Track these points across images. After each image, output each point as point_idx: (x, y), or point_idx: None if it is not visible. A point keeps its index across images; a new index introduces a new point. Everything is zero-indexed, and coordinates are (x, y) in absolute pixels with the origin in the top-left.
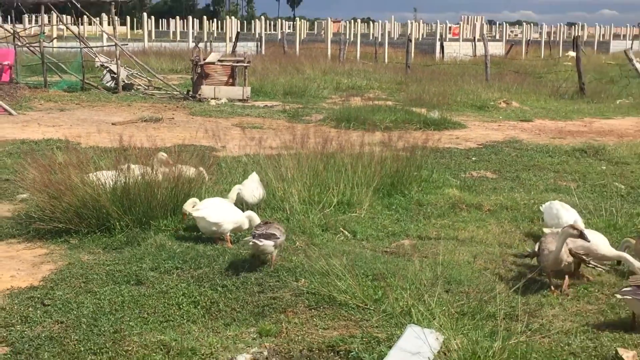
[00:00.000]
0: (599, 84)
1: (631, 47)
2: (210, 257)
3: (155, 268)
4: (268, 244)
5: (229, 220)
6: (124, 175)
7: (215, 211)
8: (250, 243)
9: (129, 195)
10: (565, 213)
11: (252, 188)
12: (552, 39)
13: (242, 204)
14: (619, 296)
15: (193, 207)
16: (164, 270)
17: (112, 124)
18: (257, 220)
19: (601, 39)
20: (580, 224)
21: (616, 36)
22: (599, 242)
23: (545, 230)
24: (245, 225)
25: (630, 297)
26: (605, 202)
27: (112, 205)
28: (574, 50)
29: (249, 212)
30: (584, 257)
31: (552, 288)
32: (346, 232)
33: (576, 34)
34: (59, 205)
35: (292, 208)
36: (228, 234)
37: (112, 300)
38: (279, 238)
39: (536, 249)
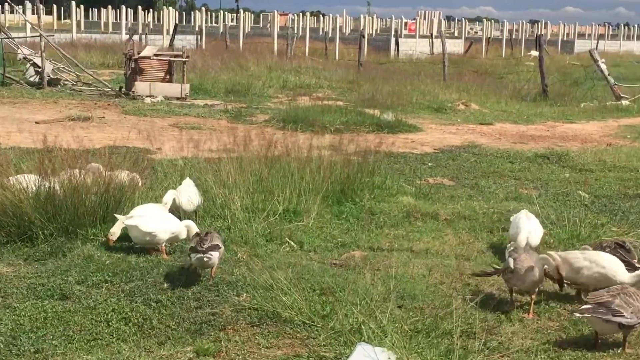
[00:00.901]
0: (562, 86)
1: (596, 47)
2: (144, 270)
3: (82, 281)
4: (216, 257)
5: (165, 230)
6: (48, 179)
7: (149, 219)
8: (201, 257)
9: (54, 201)
10: (524, 224)
11: (188, 194)
12: (513, 37)
13: (177, 211)
14: (577, 315)
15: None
16: (91, 284)
17: (36, 122)
18: (195, 229)
19: (565, 38)
20: (532, 239)
21: (581, 35)
22: (617, 269)
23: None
24: (183, 235)
25: (589, 316)
26: (568, 212)
27: (35, 212)
28: (536, 50)
29: (188, 221)
30: (561, 280)
31: (512, 304)
32: (292, 243)
33: (539, 32)
34: None
35: (234, 216)
36: (163, 244)
37: (33, 317)
38: (221, 248)
39: (510, 265)
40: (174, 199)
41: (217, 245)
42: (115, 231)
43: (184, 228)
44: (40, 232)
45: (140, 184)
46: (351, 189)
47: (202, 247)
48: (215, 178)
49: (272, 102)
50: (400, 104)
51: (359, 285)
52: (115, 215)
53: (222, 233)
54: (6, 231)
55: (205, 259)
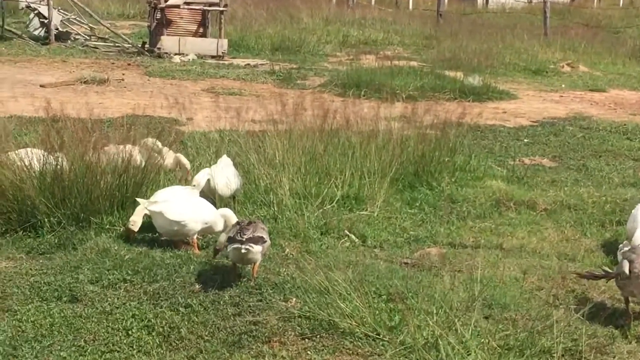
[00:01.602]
0: None
1: None
2: (170, 267)
3: (95, 280)
4: (258, 251)
5: (197, 218)
6: (55, 155)
7: (178, 205)
8: (238, 249)
9: (63, 182)
10: None
11: (225, 175)
12: None
13: (211, 196)
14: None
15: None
16: (107, 284)
17: (41, 86)
18: (234, 219)
19: None
20: None
21: None
22: None
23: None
24: (219, 226)
25: None
26: None
27: (40, 196)
28: None
29: (225, 210)
30: None
31: (628, 316)
32: (353, 237)
33: None
34: None
35: (281, 203)
36: (195, 236)
37: (37, 323)
38: (266, 242)
39: (623, 269)
40: (207, 181)
41: (261, 237)
42: (137, 219)
43: (220, 217)
44: (45, 219)
45: (188, 167)
46: (427, 171)
47: (241, 237)
48: (258, 156)
49: (330, 62)
50: (489, 65)
51: (435, 290)
52: (137, 199)
53: (266, 223)
54: (5, 218)
55: (244, 251)
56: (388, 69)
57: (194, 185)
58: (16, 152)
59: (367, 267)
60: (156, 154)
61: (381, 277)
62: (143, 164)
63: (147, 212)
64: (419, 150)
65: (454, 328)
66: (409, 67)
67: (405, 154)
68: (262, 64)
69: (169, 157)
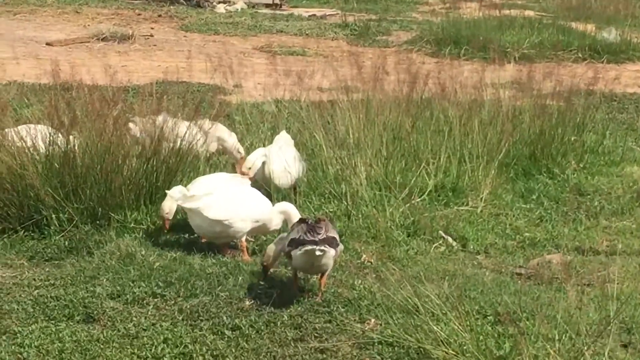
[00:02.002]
0: None
1: None
2: (213, 278)
3: (117, 294)
4: (331, 256)
5: (246, 216)
6: (65, 133)
7: (221, 200)
8: (311, 251)
9: (75, 168)
10: None
11: (284, 159)
12: None
13: (265, 186)
14: None
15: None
16: (132, 299)
17: (47, 44)
18: (296, 216)
19: None
20: None
21: None
22: None
23: None
24: (274, 225)
25: None
26: None
27: (46, 185)
28: None
29: (284, 204)
30: None
31: None
32: (450, 239)
33: None
34: None
35: (357, 195)
36: (243, 238)
37: (43, 348)
38: (339, 245)
39: None
40: (261, 166)
41: (335, 239)
42: (170, 206)
43: (277, 214)
44: (53, 216)
45: (240, 151)
46: (547, 154)
47: (314, 237)
48: (327, 134)
49: (419, 11)
50: (630, 14)
51: (557, 309)
52: (167, 192)
53: (336, 222)
54: (1, 213)
55: (319, 253)
56: (496, 20)
57: (249, 168)
58: (15, 129)
59: (469, 278)
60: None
61: (486, 292)
62: (178, 144)
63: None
64: (537, 127)
65: (581, 359)
66: (523, 17)
67: (518, 132)
68: (332, 15)
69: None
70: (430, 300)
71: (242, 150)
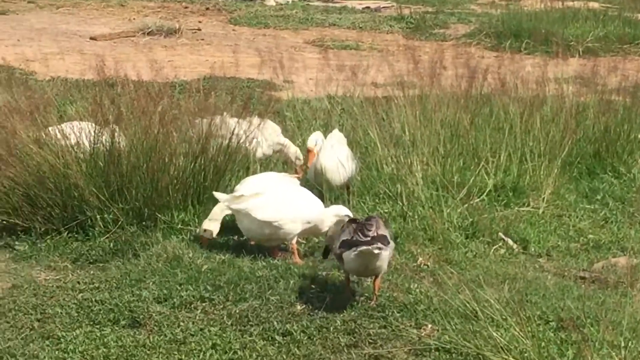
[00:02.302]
0: None
1: None
2: (263, 281)
3: (164, 298)
4: (386, 256)
5: (297, 218)
6: (110, 131)
7: (270, 200)
8: (366, 251)
9: (120, 167)
10: None
11: (336, 157)
12: None
13: (317, 185)
14: None
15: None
16: (179, 303)
17: (91, 38)
18: (347, 217)
19: None
20: None
21: None
22: None
23: None
24: (326, 226)
25: None
26: None
27: (90, 185)
28: None
29: (337, 207)
30: None
31: None
32: (510, 242)
33: None
34: None
35: (412, 195)
36: (294, 240)
37: (87, 354)
38: (390, 244)
39: None
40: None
41: (385, 237)
42: (212, 227)
43: (329, 215)
44: (97, 216)
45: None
46: (612, 152)
47: (366, 236)
48: (381, 131)
49: (478, 3)
50: None
51: (623, 314)
52: (215, 193)
53: (390, 223)
54: (45, 214)
55: (376, 252)
56: (559, 12)
57: (296, 161)
58: (58, 127)
59: (530, 282)
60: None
61: (549, 296)
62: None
63: (229, 211)
64: (601, 124)
65: None
66: (587, 9)
67: (582, 129)
68: (386, 7)
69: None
70: (490, 305)
71: (301, 156)
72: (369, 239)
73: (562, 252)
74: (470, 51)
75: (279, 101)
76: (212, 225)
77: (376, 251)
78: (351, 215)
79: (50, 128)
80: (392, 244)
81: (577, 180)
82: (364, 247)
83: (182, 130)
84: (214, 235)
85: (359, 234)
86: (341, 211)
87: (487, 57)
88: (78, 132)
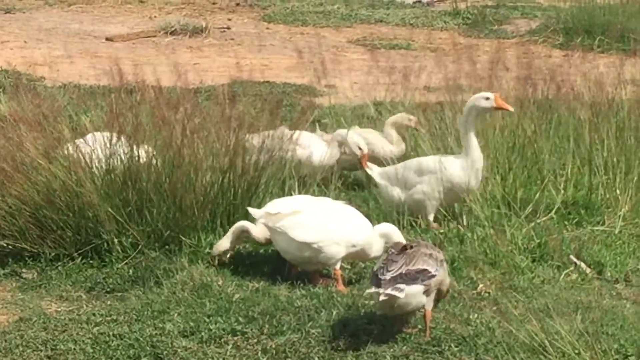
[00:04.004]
0: None
1: None
2: (302, 312)
3: (190, 332)
4: (413, 294)
5: (341, 240)
6: (130, 144)
7: (312, 220)
8: (378, 296)
9: (140, 183)
10: None
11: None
12: None
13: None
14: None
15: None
16: (208, 337)
17: (107, 39)
18: (396, 238)
19: None
20: None
21: None
22: None
23: None
24: (375, 251)
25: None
26: None
27: (106, 204)
28: None
29: (386, 226)
30: None
31: None
32: (583, 265)
33: None
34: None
35: (471, 214)
36: (338, 265)
37: None
38: (434, 276)
39: None
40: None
41: (423, 271)
42: (223, 246)
43: (377, 237)
44: (115, 240)
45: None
46: None
47: (383, 276)
48: (435, 140)
49: None
50: None
51: None
52: (249, 209)
53: (445, 246)
54: (55, 237)
55: (383, 299)
56: (637, 5)
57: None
58: (74, 141)
59: (606, 312)
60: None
61: (627, 327)
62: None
63: (259, 231)
64: None
65: None
66: None
67: None
68: (440, 1)
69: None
70: (561, 337)
71: (363, 144)
72: (386, 278)
73: None
74: (536, 50)
75: (319, 107)
76: (223, 245)
77: (382, 298)
78: (400, 236)
79: (63, 141)
80: (439, 275)
81: None
82: (373, 290)
83: (208, 141)
84: (225, 254)
85: (382, 270)
86: (389, 230)
87: (555, 56)
88: (94, 146)
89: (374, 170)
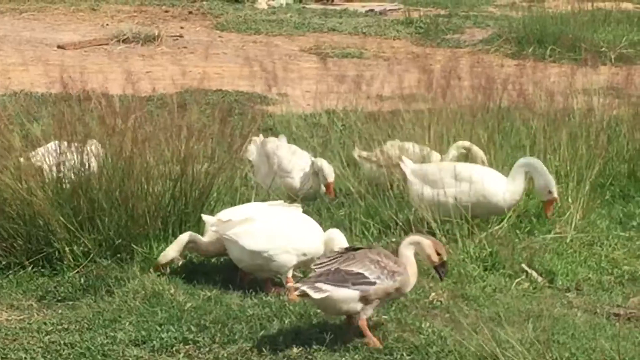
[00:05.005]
0: None
1: None
2: (254, 321)
3: (142, 341)
4: (342, 299)
5: (292, 248)
6: (83, 153)
7: (263, 228)
8: (304, 293)
9: (91, 192)
10: None
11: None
12: None
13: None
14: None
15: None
16: (159, 346)
17: (59, 47)
18: (338, 244)
19: None
20: None
21: None
22: None
23: None
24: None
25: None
26: None
27: (57, 213)
28: None
29: (330, 232)
30: None
31: None
32: (534, 274)
33: None
34: None
35: (422, 222)
36: (290, 274)
37: None
38: (373, 283)
39: None
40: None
41: (358, 275)
42: (170, 256)
43: (322, 244)
44: (66, 248)
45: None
46: None
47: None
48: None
49: (497, 4)
50: None
51: None
52: (203, 216)
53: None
54: (6, 246)
55: (298, 293)
56: (588, 14)
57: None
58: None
59: (557, 320)
60: None
61: (578, 336)
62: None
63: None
64: (637, 140)
65: None
66: (620, 11)
67: (614, 147)
68: (393, 10)
69: None
70: (512, 346)
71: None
72: (314, 274)
73: (594, 285)
74: (488, 59)
75: (271, 116)
76: (169, 254)
77: (298, 292)
78: (344, 241)
79: (13, 152)
80: (382, 282)
81: (610, 204)
82: (298, 285)
83: (159, 150)
84: (166, 260)
85: (317, 267)
86: (334, 235)
87: (507, 65)
88: (45, 156)
89: (407, 166)
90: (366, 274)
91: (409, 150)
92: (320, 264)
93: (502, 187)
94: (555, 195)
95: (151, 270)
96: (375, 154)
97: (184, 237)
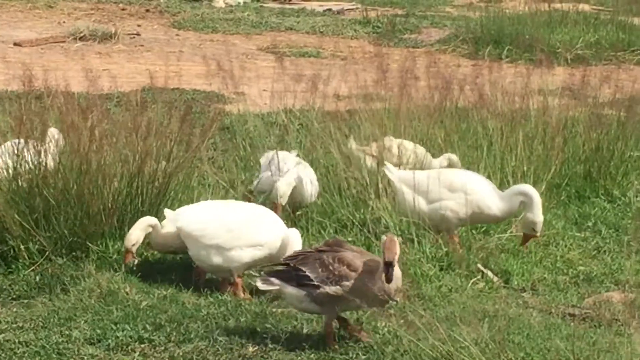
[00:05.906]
0: None
1: None
2: (210, 319)
3: (97, 339)
4: (287, 294)
5: (241, 242)
6: (39, 150)
7: (218, 224)
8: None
9: (47, 189)
10: None
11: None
12: None
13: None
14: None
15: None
16: (115, 344)
17: (15, 44)
18: (292, 247)
19: None
20: None
21: None
22: None
23: None
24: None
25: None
26: None
27: (12, 211)
28: None
29: (292, 231)
30: None
31: None
32: (490, 274)
33: None
34: None
35: (379, 223)
36: (239, 272)
37: None
38: (317, 287)
39: None
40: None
41: (303, 277)
42: (138, 236)
43: (280, 241)
44: (21, 246)
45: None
46: (605, 173)
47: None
48: (344, 149)
49: (454, 4)
50: None
51: (618, 356)
52: (166, 211)
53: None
54: None
55: (260, 284)
56: (545, 15)
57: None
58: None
59: (512, 320)
60: None
61: (534, 336)
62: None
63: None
64: (593, 141)
65: None
66: (576, 12)
67: (570, 147)
68: (351, 9)
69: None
70: (467, 346)
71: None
72: (276, 267)
73: (549, 285)
74: (445, 59)
75: (228, 115)
76: (134, 236)
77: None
78: (299, 243)
79: None
80: (323, 289)
81: (566, 205)
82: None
83: (116, 147)
84: (134, 246)
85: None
86: (291, 234)
87: (464, 65)
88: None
89: (393, 173)
90: (312, 276)
91: (408, 149)
92: (288, 257)
93: (496, 201)
94: (538, 234)
95: (107, 268)
96: (372, 148)
97: (147, 219)
